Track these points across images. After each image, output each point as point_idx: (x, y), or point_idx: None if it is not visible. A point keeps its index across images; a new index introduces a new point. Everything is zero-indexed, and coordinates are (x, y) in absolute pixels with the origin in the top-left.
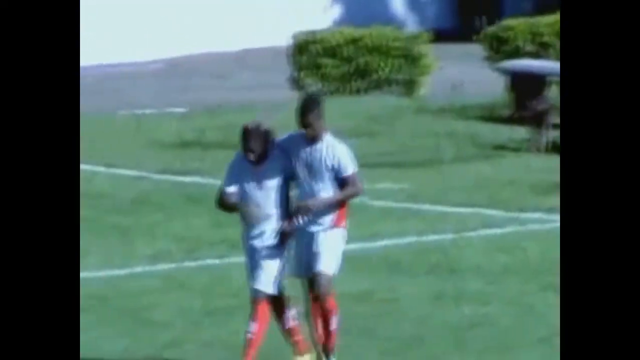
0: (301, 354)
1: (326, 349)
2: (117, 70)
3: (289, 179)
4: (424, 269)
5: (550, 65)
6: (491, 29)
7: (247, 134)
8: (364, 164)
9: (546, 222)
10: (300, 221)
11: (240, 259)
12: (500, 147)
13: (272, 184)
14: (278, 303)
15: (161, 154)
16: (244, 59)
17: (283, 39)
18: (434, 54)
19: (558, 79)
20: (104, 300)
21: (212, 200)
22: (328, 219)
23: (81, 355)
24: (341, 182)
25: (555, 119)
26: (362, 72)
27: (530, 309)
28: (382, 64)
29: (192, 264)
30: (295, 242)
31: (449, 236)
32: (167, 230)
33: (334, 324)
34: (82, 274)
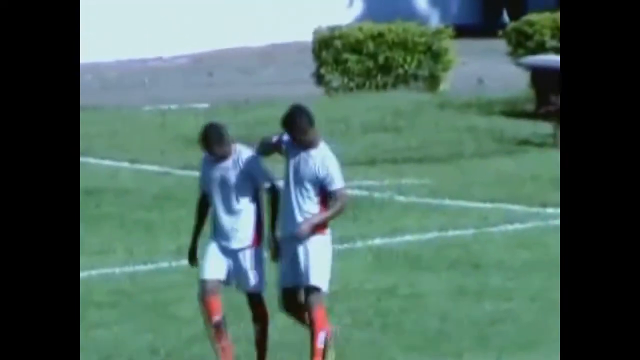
0: None
1: None
2: (142, 66)
3: (256, 178)
4: (446, 264)
5: None
6: (514, 24)
7: (204, 134)
8: (388, 159)
9: None
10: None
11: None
12: (523, 143)
13: (234, 183)
14: (259, 312)
15: (185, 150)
16: (269, 54)
17: (308, 35)
18: (457, 49)
19: None
20: (128, 296)
21: None
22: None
23: (106, 351)
24: (326, 195)
25: None
26: (385, 68)
27: (553, 304)
28: (405, 60)
29: None
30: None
31: (471, 231)
32: (190, 226)
33: (320, 341)
34: (106, 270)
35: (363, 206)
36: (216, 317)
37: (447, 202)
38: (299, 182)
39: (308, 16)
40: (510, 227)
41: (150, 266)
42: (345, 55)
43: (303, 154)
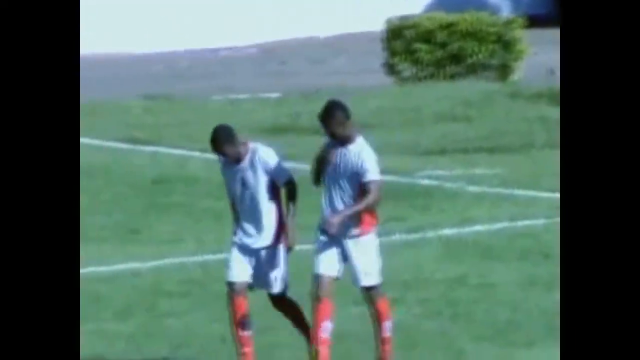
0: None
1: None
2: (212, 55)
3: (274, 176)
4: (516, 254)
5: None
6: None
7: (213, 135)
8: (459, 148)
9: None
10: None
11: None
12: None
13: (253, 183)
14: (286, 304)
15: (255, 139)
16: (339, 44)
17: (377, 24)
18: (528, 39)
19: None
20: (198, 285)
21: (305, 185)
22: (355, 227)
23: (177, 339)
24: (362, 187)
25: None
26: (456, 57)
27: None
28: (476, 49)
29: None
30: (327, 244)
31: (542, 221)
32: None
33: (386, 330)
34: (177, 259)
35: (434, 196)
36: (242, 319)
37: (518, 192)
38: (337, 179)
39: (378, 6)
40: None
41: (220, 255)
42: (416, 45)
43: (341, 150)
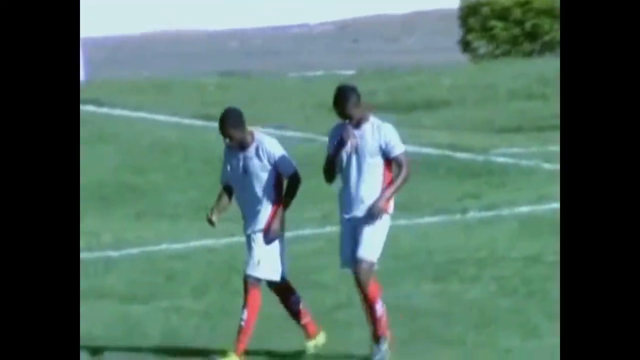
0: (311, 337)
1: (374, 336)
2: (287, 33)
3: (280, 170)
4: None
5: None
6: None
7: (222, 117)
8: (535, 126)
9: None
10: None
11: (403, 221)
12: None
13: (256, 172)
14: (282, 289)
15: (330, 116)
16: (413, 22)
17: (450, 2)
18: None
19: None
20: None
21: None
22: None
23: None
24: (391, 162)
25: None
26: (532, 35)
27: None
28: (551, 27)
29: None
30: (343, 233)
31: None
32: (333, 194)
33: (378, 311)
34: None
35: (510, 173)
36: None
37: None
38: (360, 159)
39: None
40: None
41: (294, 233)
42: (492, 22)
43: (358, 132)
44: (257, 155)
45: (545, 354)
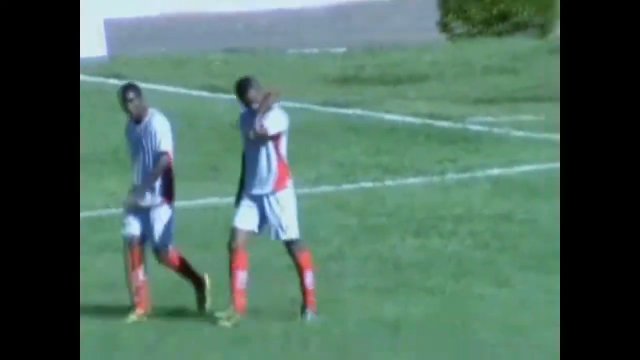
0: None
1: (302, 306)
2: (288, 14)
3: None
4: (558, 192)
5: None
6: None
7: (120, 93)
8: (507, 98)
9: None
10: None
11: (389, 182)
12: None
13: (145, 146)
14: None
15: (324, 88)
16: (399, 4)
17: None
18: None
19: None
20: None
21: (371, 130)
22: (270, 184)
23: (250, 270)
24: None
25: None
26: (504, 16)
27: None
28: (522, 9)
29: (350, 186)
30: (246, 201)
31: None
32: (328, 157)
33: (307, 282)
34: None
35: (483, 140)
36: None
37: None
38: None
39: None
40: None
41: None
42: (468, 5)
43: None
44: (146, 130)
45: (515, 300)
